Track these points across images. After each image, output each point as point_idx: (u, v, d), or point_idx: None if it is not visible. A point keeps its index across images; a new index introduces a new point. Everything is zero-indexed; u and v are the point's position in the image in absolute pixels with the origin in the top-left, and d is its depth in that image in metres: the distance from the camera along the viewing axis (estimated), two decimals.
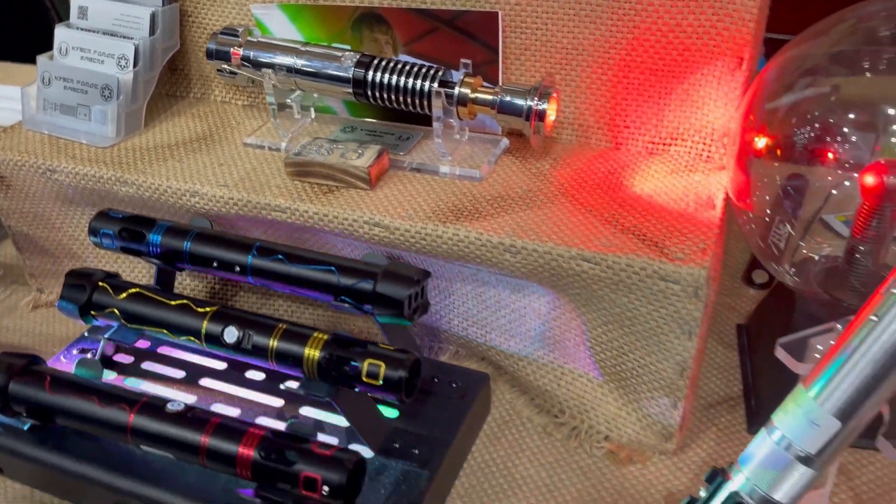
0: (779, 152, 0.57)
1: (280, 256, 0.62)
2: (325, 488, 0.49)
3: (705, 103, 0.65)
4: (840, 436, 0.42)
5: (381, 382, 0.54)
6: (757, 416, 0.67)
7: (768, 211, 0.61)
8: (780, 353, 0.48)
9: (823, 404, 0.42)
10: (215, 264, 0.64)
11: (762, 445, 0.44)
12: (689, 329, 0.56)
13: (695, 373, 0.60)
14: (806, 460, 0.43)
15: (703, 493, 0.46)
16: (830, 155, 0.59)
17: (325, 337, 0.57)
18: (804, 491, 0.44)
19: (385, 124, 0.76)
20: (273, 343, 0.58)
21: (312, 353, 0.56)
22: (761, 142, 0.57)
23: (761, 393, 0.68)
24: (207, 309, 0.61)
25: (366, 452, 0.59)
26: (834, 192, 0.62)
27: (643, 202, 0.62)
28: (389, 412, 0.63)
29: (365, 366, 0.55)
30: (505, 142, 0.72)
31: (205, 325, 0.60)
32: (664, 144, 0.69)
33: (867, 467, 0.61)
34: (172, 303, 0.62)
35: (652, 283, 0.55)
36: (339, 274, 0.60)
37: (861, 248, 0.60)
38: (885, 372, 0.41)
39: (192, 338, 0.60)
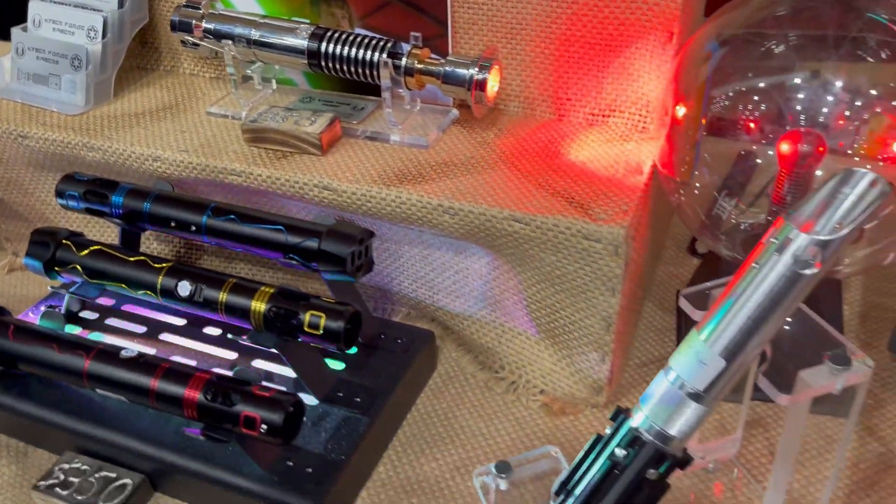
0: (697, 122, 0.61)
1: (233, 217, 0.65)
2: (264, 426, 0.53)
3: (640, 76, 0.69)
4: (726, 374, 0.46)
5: (321, 332, 0.58)
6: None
7: (693, 181, 0.64)
8: (683, 304, 0.52)
9: (712, 346, 0.46)
10: (173, 224, 0.67)
11: (660, 385, 0.48)
12: (612, 286, 0.60)
13: (621, 328, 0.64)
14: (696, 397, 0.47)
15: (608, 431, 0.50)
16: (750, 125, 0.63)
17: (271, 290, 0.60)
18: (696, 425, 0.47)
19: (342, 95, 0.80)
20: (223, 296, 0.61)
21: (259, 305, 0.60)
22: (680, 111, 0.60)
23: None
24: (163, 265, 0.64)
25: (311, 400, 0.63)
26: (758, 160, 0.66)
27: (576, 169, 0.66)
28: (336, 365, 0.67)
29: (307, 317, 0.58)
30: (454, 112, 0.75)
31: (160, 280, 0.63)
32: (603, 116, 0.72)
33: (782, 419, 0.65)
34: (131, 259, 0.65)
35: (576, 241, 0.59)
36: (287, 233, 0.63)
37: (780, 213, 0.64)
38: (765, 315, 0.44)
39: (148, 292, 0.64)
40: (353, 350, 0.67)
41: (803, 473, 0.60)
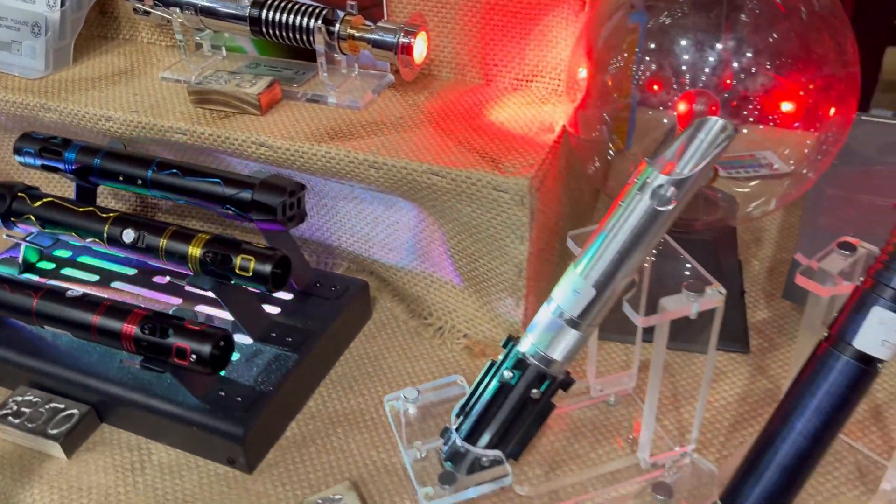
0: (599, 84, 0.66)
1: (175, 171, 0.70)
2: (193, 356, 0.58)
3: (558, 42, 0.74)
4: (598, 302, 0.51)
5: (251, 274, 0.63)
6: (608, 323, 0.75)
7: (595, 138, 0.69)
8: (570, 244, 0.57)
9: (586, 278, 0.51)
10: (121, 178, 0.72)
11: (543, 314, 0.53)
12: (521, 234, 0.65)
13: (533, 274, 0.69)
14: (573, 324, 0.52)
15: (500, 357, 0.55)
16: (654, 87, 0.68)
17: (207, 237, 0.65)
18: (575, 349, 0.53)
19: (288, 62, 0.84)
20: (163, 242, 0.66)
21: (195, 250, 0.65)
22: (582, 73, 0.65)
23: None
24: (110, 214, 0.69)
25: (246, 340, 0.68)
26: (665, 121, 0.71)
27: (495, 128, 0.71)
28: (272, 309, 0.72)
29: (238, 260, 0.63)
30: (390, 77, 0.80)
31: (107, 228, 0.68)
32: (527, 80, 0.77)
33: (687, 367, 0.70)
34: (80, 209, 0.70)
35: (487, 192, 0.64)
36: (223, 185, 0.68)
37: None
38: (630, 249, 0.50)
39: (96, 239, 0.69)
40: (290, 297, 0.73)
41: (693, 405, 0.66)
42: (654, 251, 0.56)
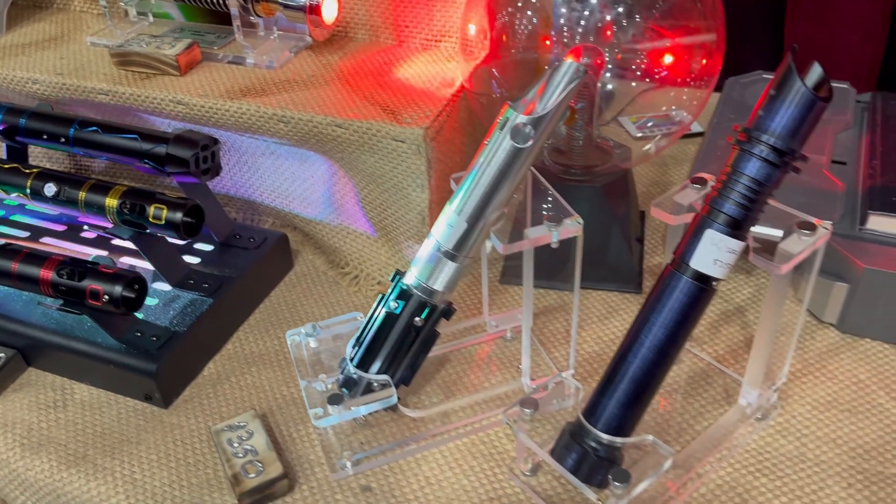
0: (486, 40, 0.70)
1: (95, 128, 0.73)
2: (106, 297, 0.62)
3: (463, 3, 0.77)
4: (471, 234, 0.55)
5: (163, 223, 0.67)
6: (509, 269, 0.80)
7: (490, 93, 0.73)
8: (452, 185, 0.61)
9: (459, 213, 0.55)
10: (45, 137, 0.76)
11: (424, 249, 0.58)
12: (421, 182, 0.69)
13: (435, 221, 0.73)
14: (450, 256, 0.56)
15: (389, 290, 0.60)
16: (546, 42, 0.72)
17: (123, 188, 0.69)
18: (453, 280, 0.57)
19: (212, 26, 0.88)
20: (82, 195, 0.70)
21: (112, 201, 0.69)
22: (472, 30, 0.69)
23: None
24: (34, 170, 0.73)
25: (166, 287, 0.72)
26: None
27: (400, 84, 0.75)
28: (193, 259, 0.76)
29: (151, 209, 0.67)
30: (307, 39, 0.83)
31: (30, 182, 0.72)
32: (436, 41, 0.81)
33: (581, 301, 0.75)
34: (6, 166, 0.73)
35: (387, 142, 0.68)
36: (140, 140, 0.72)
37: (577, 122, 0.74)
38: (497, 184, 0.54)
39: (21, 193, 0.72)
40: (211, 248, 0.77)
41: (583, 337, 0.71)
42: (540, 194, 0.60)
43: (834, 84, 0.91)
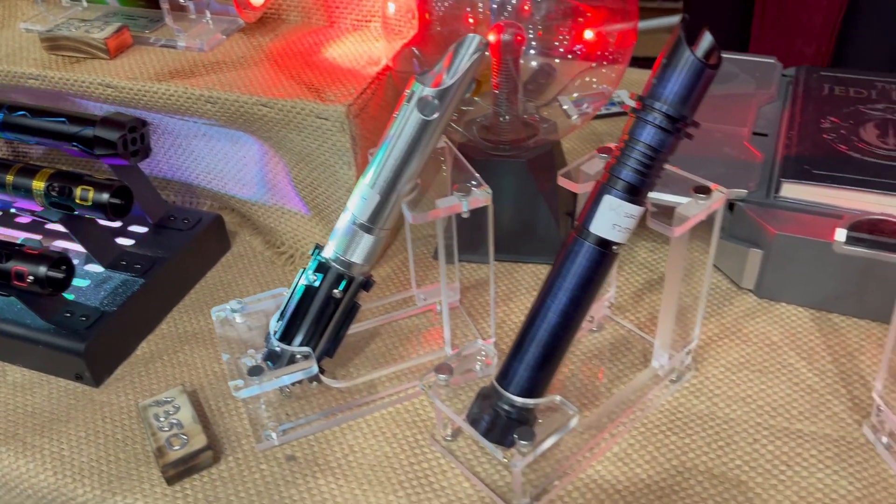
0: (406, 19, 0.71)
1: (24, 112, 0.74)
2: (31, 278, 0.63)
3: None
4: (384, 207, 0.57)
5: (91, 204, 0.68)
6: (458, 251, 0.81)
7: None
8: (370, 158, 0.62)
9: (372, 186, 0.57)
10: None
11: (341, 222, 0.59)
12: (346, 159, 0.71)
13: None
14: (366, 228, 0.58)
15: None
16: (469, 21, 0.73)
17: (51, 171, 0.69)
18: (371, 252, 0.58)
19: (146, 10, 0.88)
20: (10, 178, 0.70)
21: (39, 184, 0.69)
22: (391, 8, 0.70)
23: (461, 233, 0.83)
24: None
25: (98, 268, 0.73)
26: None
27: (327, 64, 0.76)
28: (126, 241, 0.76)
29: (78, 191, 0.68)
30: (240, 22, 0.84)
31: None
32: (366, 21, 0.82)
33: (510, 275, 0.77)
34: None
35: (311, 120, 0.69)
36: (68, 123, 0.72)
37: (501, 98, 0.75)
38: (407, 156, 0.55)
39: None
40: (145, 230, 0.77)
41: (510, 307, 0.72)
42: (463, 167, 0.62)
43: (760, 59, 0.94)
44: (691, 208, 0.53)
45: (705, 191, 0.54)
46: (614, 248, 0.53)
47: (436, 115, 0.54)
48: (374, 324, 0.72)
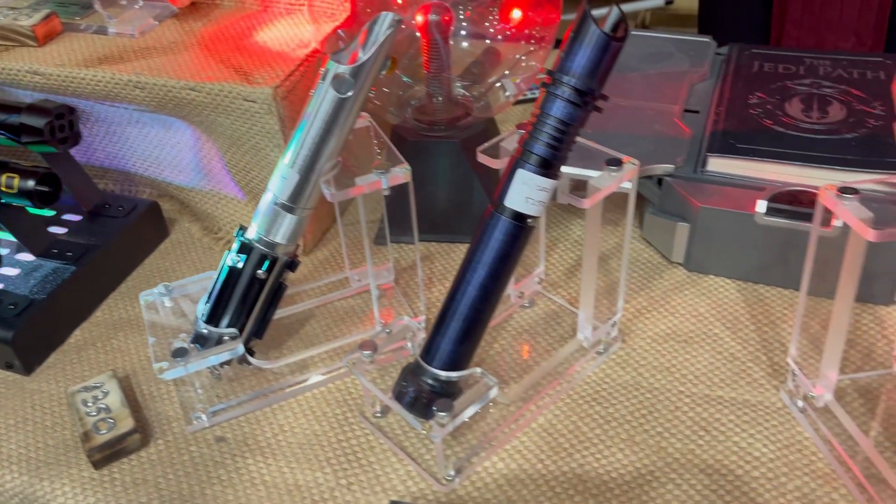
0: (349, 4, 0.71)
1: None
2: None
3: None
4: (305, 186, 0.57)
5: (16, 191, 0.67)
6: (383, 232, 0.81)
7: None
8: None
9: (291, 165, 0.57)
10: None
11: (263, 203, 0.59)
12: (276, 142, 0.71)
13: None
14: (287, 208, 0.58)
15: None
16: (398, 1, 0.74)
17: None
18: (293, 231, 0.59)
19: None
20: None
21: None
22: None
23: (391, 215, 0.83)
24: None
25: (29, 257, 0.72)
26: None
27: (258, 47, 0.76)
28: (59, 229, 0.76)
29: (3, 179, 0.67)
30: (173, 9, 0.83)
31: None
32: (300, 5, 0.82)
33: (447, 255, 0.77)
34: None
35: (239, 103, 0.69)
36: None
37: (432, 79, 0.75)
38: (325, 135, 0.56)
39: None
40: (79, 218, 0.77)
41: (444, 286, 0.73)
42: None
43: (696, 38, 0.95)
44: (604, 180, 0.54)
45: (617, 163, 0.55)
46: (529, 221, 0.54)
47: (351, 93, 0.54)
48: (309, 306, 0.72)
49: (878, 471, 0.52)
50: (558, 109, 0.51)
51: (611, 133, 0.79)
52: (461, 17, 0.75)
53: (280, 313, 0.71)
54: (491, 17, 0.75)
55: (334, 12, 0.81)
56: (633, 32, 0.98)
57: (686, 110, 0.81)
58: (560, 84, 0.50)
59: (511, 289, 0.69)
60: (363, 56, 0.54)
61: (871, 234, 0.46)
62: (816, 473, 0.54)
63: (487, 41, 0.77)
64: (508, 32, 0.75)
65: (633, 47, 0.94)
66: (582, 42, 0.50)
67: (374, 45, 0.54)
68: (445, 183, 0.77)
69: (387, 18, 0.54)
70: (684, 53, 0.92)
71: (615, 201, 0.62)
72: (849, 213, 0.48)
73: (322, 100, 0.55)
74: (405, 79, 0.77)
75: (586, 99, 0.51)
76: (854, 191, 0.49)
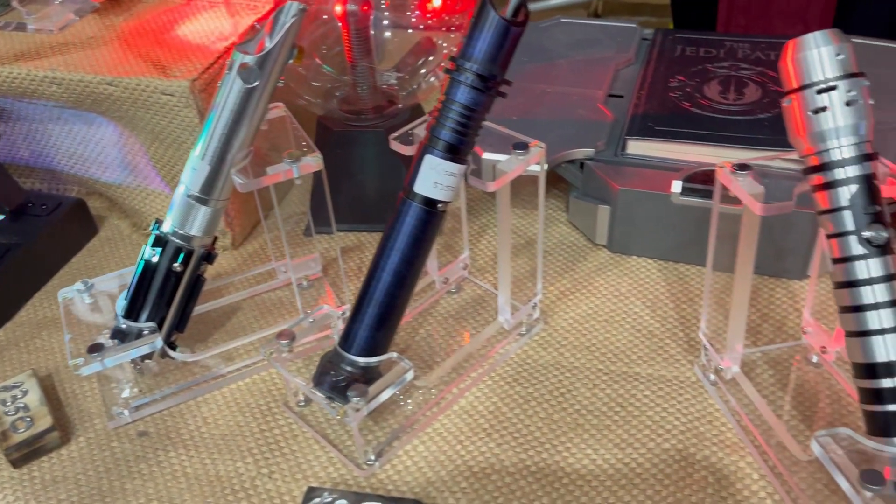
0: None
1: None
2: None
3: None
4: (217, 177, 0.57)
5: None
6: (324, 219, 0.82)
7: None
8: None
9: (203, 157, 0.57)
10: None
11: (176, 195, 0.59)
12: (196, 135, 0.69)
13: None
14: (201, 200, 0.58)
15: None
16: None
17: None
18: (208, 223, 0.59)
19: None
20: None
21: None
22: None
23: (314, 206, 0.83)
24: None
25: None
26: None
27: (178, 41, 0.75)
28: None
29: None
30: (94, 3, 0.82)
31: None
32: None
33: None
34: None
35: (157, 97, 0.69)
36: None
37: (356, 69, 0.76)
38: (235, 125, 0.56)
39: None
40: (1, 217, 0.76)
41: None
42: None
43: (622, 24, 0.97)
44: (510, 163, 0.55)
45: (523, 147, 0.56)
46: (440, 206, 0.54)
47: (258, 83, 0.55)
48: (237, 298, 0.72)
49: (781, 438, 0.54)
50: (462, 95, 0.52)
51: (535, 119, 0.80)
52: (382, 5, 0.75)
53: (207, 306, 0.71)
54: (412, 6, 0.76)
55: (256, 5, 0.80)
56: (563, 20, 0.99)
57: (610, 95, 0.83)
58: (463, 70, 0.51)
59: (436, 275, 0.70)
60: (268, 45, 0.54)
61: (759, 209, 0.47)
62: (725, 443, 0.56)
63: (409, 30, 0.77)
64: (429, 20, 0.76)
65: (561, 34, 0.96)
66: (482, 28, 0.50)
67: (279, 34, 0.54)
68: (373, 172, 0.77)
69: (291, 7, 0.54)
70: (612, 39, 0.93)
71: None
72: (741, 189, 0.49)
73: (229, 90, 0.55)
74: (326, 68, 0.77)
75: (489, 84, 0.51)
76: (747, 167, 0.51)
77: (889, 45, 0.87)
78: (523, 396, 0.61)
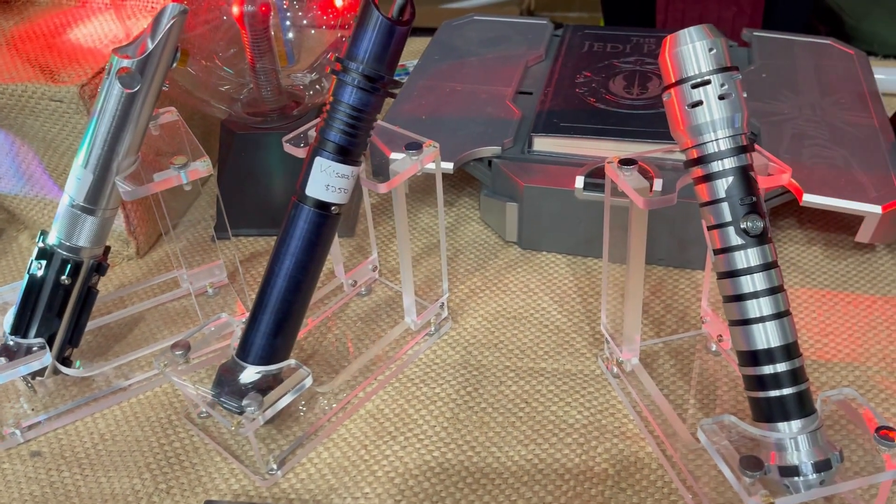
0: None
1: None
2: None
3: None
4: (101, 186, 0.55)
5: None
6: (222, 225, 0.80)
7: None
8: None
9: (85, 165, 0.55)
10: None
11: (60, 206, 0.57)
12: None
13: None
14: (85, 210, 0.56)
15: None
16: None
17: None
18: (96, 234, 0.57)
19: None
20: None
21: None
22: None
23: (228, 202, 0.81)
24: None
25: None
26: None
27: (69, 45, 0.73)
28: None
29: None
30: None
31: None
32: (122, 1, 0.79)
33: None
34: None
35: (46, 104, 0.66)
36: None
37: (259, 71, 0.74)
38: (118, 132, 0.54)
39: None
40: None
41: None
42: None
43: (533, 21, 0.97)
44: (403, 164, 0.55)
45: (416, 147, 0.55)
46: (333, 209, 0.53)
47: (139, 87, 0.53)
48: (140, 309, 0.70)
49: (675, 429, 0.55)
50: (349, 96, 0.51)
51: (444, 117, 0.80)
52: (283, 6, 0.74)
53: (108, 318, 0.69)
54: (314, 5, 0.75)
55: (154, 7, 0.78)
56: (475, 17, 0.99)
57: (520, 92, 0.83)
58: (349, 71, 0.50)
59: (343, 277, 0.69)
60: (149, 47, 0.52)
61: (642, 202, 0.48)
62: (625, 435, 0.56)
63: (312, 31, 0.76)
64: (329, 18, 0.75)
65: (473, 32, 0.96)
66: (367, 28, 0.50)
67: (159, 37, 0.52)
68: (279, 175, 0.76)
69: (170, 9, 0.53)
70: (522, 36, 0.93)
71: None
72: (626, 184, 0.50)
73: (109, 96, 0.53)
74: (227, 71, 0.75)
75: (376, 85, 0.51)
76: (633, 162, 0.51)
77: (795, 38, 0.89)
78: (429, 397, 0.60)
